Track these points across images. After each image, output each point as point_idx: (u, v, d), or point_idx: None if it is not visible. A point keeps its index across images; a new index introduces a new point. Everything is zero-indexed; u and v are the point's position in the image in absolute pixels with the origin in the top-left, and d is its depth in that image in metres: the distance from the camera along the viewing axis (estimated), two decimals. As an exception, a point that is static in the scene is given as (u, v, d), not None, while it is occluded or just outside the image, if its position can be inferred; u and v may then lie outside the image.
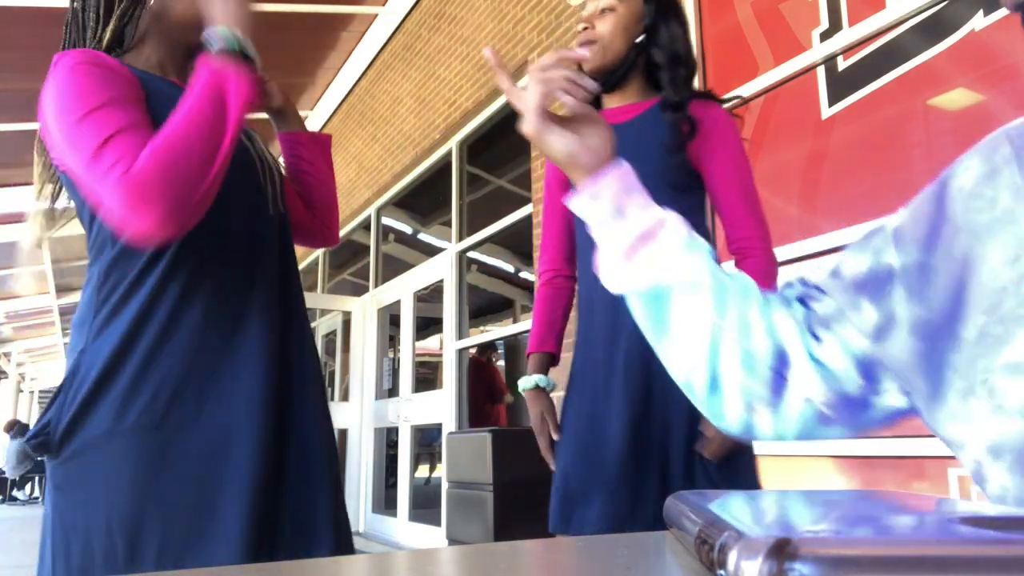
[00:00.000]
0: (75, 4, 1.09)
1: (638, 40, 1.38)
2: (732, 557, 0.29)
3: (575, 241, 1.48)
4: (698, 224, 1.35)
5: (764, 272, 1.30)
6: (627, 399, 1.28)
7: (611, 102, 1.42)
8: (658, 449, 1.26)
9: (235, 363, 1.02)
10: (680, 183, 1.32)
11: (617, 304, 1.31)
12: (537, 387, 1.45)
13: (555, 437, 1.40)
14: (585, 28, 1.38)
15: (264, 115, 1.31)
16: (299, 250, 1.28)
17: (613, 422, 1.29)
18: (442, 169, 5.35)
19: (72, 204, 1.08)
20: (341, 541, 1.08)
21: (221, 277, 1.04)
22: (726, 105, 1.43)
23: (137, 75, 1.00)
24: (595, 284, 1.37)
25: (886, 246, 0.58)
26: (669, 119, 1.32)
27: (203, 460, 0.98)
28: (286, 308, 1.11)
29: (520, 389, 1.48)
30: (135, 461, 0.94)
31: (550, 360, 1.50)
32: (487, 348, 6.55)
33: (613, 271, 0.68)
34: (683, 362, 0.65)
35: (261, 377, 1.03)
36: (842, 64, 2.33)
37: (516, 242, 5.42)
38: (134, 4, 1.08)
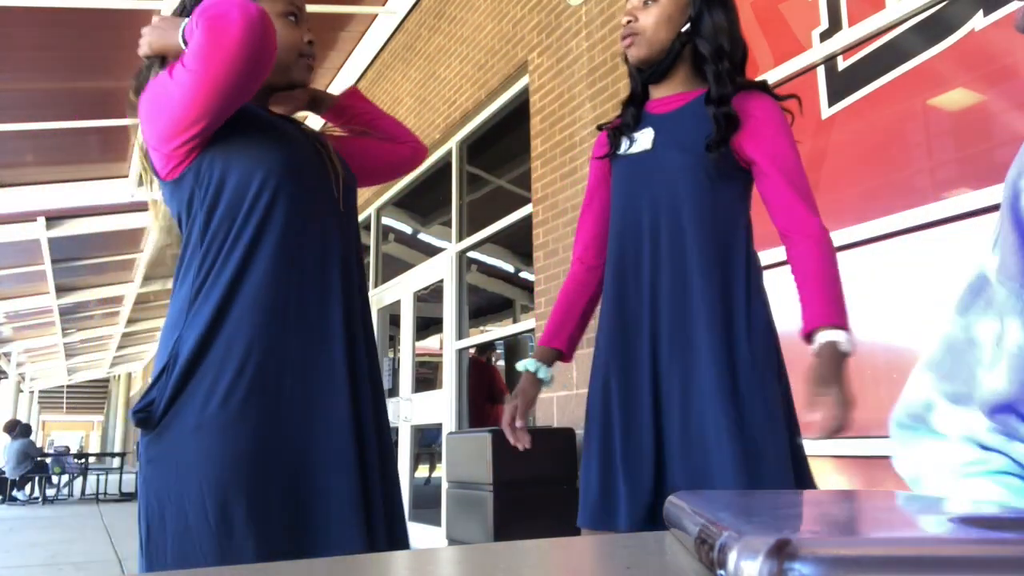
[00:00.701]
0: None
1: (683, 29, 1.36)
2: (732, 557, 0.29)
3: (606, 234, 1.43)
4: (739, 213, 1.34)
5: (820, 253, 1.24)
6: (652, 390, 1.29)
7: (657, 92, 1.42)
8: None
9: (316, 352, 1.13)
10: (723, 173, 1.30)
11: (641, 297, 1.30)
12: (527, 371, 1.42)
13: (517, 423, 1.38)
14: (629, 21, 1.37)
15: (307, 112, 1.41)
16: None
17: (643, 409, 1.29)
18: (442, 169, 5.35)
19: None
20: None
21: (297, 266, 1.14)
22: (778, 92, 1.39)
23: None
24: (618, 279, 1.36)
25: (1014, 296, 0.51)
26: (711, 113, 1.31)
27: (291, 437, 1.08)
28: (349, 298, 1.20)
29: (518, 368, 1.46)
30: (224, 435, 1.04)
31: (557, 356, 1.46)
32: (487, 348, 6.54)
33: None
34: None
35: (342, 368, 1.14)
36: (842, 64, 2.33)
37: (516, 242, 5.42)
38: None
